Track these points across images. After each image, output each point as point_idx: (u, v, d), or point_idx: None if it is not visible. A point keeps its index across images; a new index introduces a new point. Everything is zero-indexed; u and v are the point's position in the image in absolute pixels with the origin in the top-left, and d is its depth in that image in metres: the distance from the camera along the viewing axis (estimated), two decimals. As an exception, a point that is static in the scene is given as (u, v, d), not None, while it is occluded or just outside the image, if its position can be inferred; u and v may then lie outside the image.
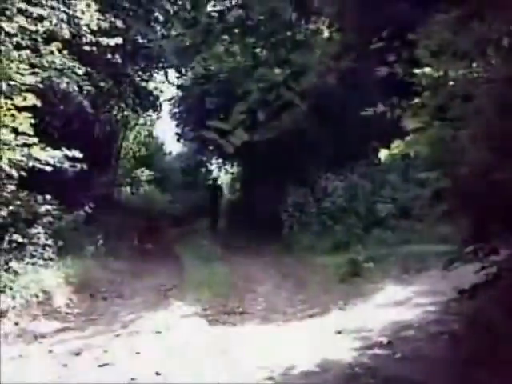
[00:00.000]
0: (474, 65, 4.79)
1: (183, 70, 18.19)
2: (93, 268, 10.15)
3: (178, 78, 19.56)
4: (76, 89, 9.96)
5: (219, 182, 25.52)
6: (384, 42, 5.57)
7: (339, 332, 5.52)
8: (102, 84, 11.49)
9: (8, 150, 6.62)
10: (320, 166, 12.92)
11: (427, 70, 5.00)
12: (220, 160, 27.85)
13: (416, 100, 5.13)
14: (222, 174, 31.25)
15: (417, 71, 5.04)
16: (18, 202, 7.47)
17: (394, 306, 6.33)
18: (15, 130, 6.64)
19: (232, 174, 27.63)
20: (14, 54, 7.47)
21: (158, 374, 4.57)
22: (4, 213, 6.78)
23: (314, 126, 13.14)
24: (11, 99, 6.75)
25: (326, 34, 14.12)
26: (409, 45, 5.04)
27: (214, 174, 31.75)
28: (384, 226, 10.30)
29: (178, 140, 27.35)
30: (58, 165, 7.73)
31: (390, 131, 5.34)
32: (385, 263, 8.51)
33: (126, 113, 14.74)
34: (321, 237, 10.99)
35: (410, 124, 5.09)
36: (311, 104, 11.12)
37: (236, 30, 15.13)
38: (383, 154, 5.62)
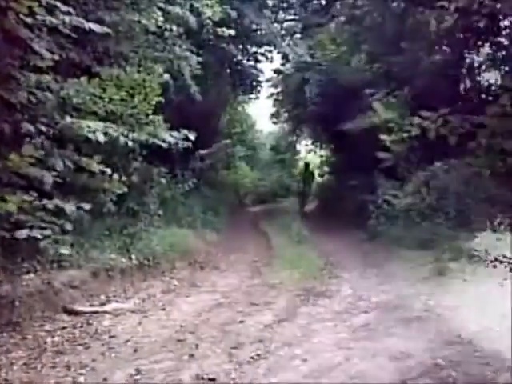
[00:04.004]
0: None
1: (290, 56, 18.44)
2: (191, 238, 11.14)
3: (282, 64, 20.05)
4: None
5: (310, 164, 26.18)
6: None
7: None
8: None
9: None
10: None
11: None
12: (309, 142, 28.96)
13: None
14: (311, 156, 31.77)
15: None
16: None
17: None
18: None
19: (321, 156, 27.98)
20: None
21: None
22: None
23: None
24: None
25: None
26: None
27: (302, 154, 32.96)
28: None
29: (274, 120, 28.21)
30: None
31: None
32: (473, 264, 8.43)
33: (228, 94, 15.67)
34: (407, 231, 11.05)
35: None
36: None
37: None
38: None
